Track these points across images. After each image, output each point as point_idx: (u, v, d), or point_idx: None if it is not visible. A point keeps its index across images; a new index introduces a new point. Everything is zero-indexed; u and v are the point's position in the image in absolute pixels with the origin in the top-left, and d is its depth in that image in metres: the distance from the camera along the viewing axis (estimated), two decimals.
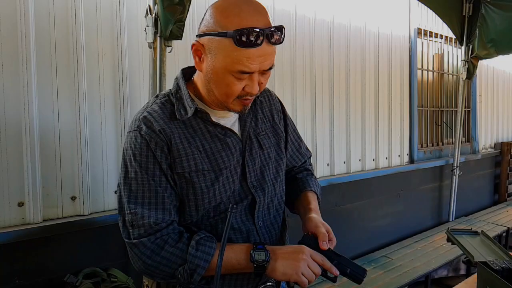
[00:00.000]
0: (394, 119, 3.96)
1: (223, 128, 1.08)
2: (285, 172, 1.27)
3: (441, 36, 4.61)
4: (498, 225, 4.33)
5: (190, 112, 1.03)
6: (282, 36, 0.95)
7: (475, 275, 1.65)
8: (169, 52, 2.09)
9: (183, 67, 1.15)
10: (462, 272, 3.83)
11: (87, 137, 2.04)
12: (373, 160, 3.75)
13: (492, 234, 3.88)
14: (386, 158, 3.90)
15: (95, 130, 2.08)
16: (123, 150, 1.06)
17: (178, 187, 1.03)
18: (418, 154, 4.24)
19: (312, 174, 1.36)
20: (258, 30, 0.90)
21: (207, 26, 0.96)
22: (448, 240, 1.95)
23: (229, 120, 1.11)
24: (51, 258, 1.93)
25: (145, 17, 2.04)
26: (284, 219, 1.24)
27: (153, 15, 2.02)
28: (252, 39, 0.90)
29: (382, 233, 3.83)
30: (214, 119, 1.07)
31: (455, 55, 4.87)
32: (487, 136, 5.47)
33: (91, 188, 2.06)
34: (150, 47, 2.06)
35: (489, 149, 5.48)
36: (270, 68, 0.99)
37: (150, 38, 2.04)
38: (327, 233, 1.05)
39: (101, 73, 2.09)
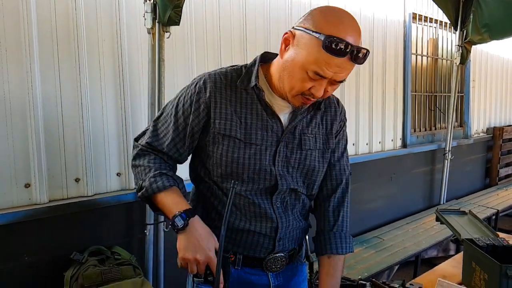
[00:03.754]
0: (388, 104, 4.02)
1: (272, 112, 1.16)
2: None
3: (436, 21, 4.64)
4: (487, 207, 4.43)
5: (251, 85, 1.14)
6: (365, 58, 1.03)
7: (462, 252, 1.74)
8: (167, 38, 2.15)
9: (266, 51, 1.22)
10: (452, 252, 3.95)
11: (89, 121, 2.10)
12: (367, 144, 3.83)
13: (481, 216, 3.98)
14: (379, 142, 3.97)
15: (97, 114, 2.14)
16: None
17: (211, 143, 1.15)
18: (411, 138, 4.32)
19: (342, 229, 1.30)
20: (347, 43, 0.98)
21: (304, 22, 1.04)
22: (437, 219, 2.04)
23: (283, 109, 1.18)
24: (57, 236, 2.02)
25: (144, 3, 2.08)
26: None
27: (152, 0, 2.06)
28: (338, 48, 0.97)
29: (375, 215, 3.93)
30: (268, 100, 1.15)
31: (450, 40, 4.92)
32: (480, 121, 5.54)
33: (94, 170, 2.13)
34: (149, 32, 2.12)
35: (481, 134, 5.56)
36: (341, 81, 1.07)
37: (149, 24, 2.09)
38: None
39: (101, 59, 2.14)
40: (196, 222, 1.08)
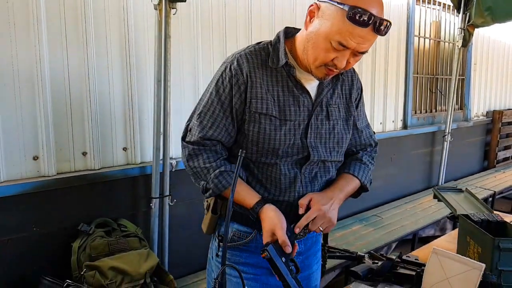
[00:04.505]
0: (390, 85, 4.04)
1: (302, 87, 1.20)
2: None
3: (439, 3, 4.62)
4: (485, 189, 4.50)
5: (281, 63, 1.18)
6: (387, 30, 1.06)
7: (457, 229, 1.79)
8: (173, 14, 2.16)
9: (288, 26, 1.25)
10: (449, 232, 4.03)
11: (96, 96, 2.13)
12: None
13: (478, 197, 4.03)
14: (381, 123, 4.01)
15: (103, 89, 2.17)
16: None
17: (247, 122, 1.19)
18: (412, 120, 4.35)
19: (362, 162, 1.37)
20: (371, 14, 1.02)
21: None
22: (435, 197, 2.09)
23: (309, 83, 1.23)
24: (65, 208, 2.07)
25: None
26: None
27: None
28: (362, 19, 1.01)
29: (374, 195, 3.98)
30: (298, 76, 1.19)
31: (452, 23, 4.90)
32: (480, 104, 5.56)
33: (100, 145, 2.17)
34: (155, 8, 2.12)
35: (481, 117, 5.59)
36: (363, 53, 1.10)
37: (156, 0, 2.10)
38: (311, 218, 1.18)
39: (108, 35, 2.16)
40: (264, 211, 1.17)
